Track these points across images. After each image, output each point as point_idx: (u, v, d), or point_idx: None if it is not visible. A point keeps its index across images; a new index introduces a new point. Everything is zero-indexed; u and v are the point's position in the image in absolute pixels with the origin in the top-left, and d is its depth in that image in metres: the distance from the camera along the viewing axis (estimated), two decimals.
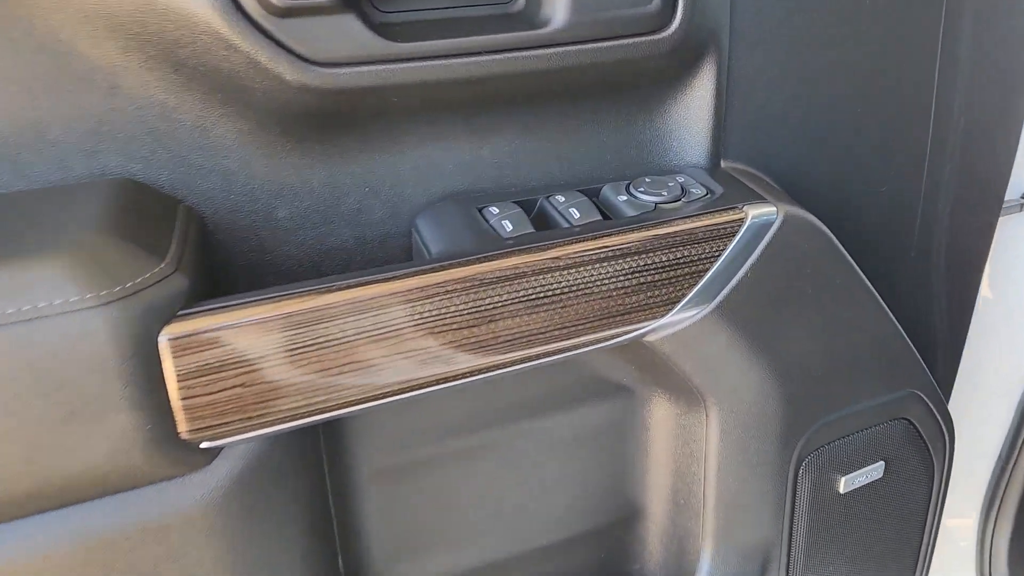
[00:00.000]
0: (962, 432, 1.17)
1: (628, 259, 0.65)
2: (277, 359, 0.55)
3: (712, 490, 0.77)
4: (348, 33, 0.59)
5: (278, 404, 0.56)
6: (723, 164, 0.76)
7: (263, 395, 0.55)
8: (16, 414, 0.48)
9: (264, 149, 0.64)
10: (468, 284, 0.60)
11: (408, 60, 0.61)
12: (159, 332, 0.51)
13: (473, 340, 0.61)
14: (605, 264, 0.64)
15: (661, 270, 0.67)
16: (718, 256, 0.69)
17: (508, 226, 0.66)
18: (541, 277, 0.62)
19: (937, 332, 0.95)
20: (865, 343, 0.78)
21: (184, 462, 0.55)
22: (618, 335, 0.67)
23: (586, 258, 0.64)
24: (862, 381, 0.80)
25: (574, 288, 0.64)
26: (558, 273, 0.63)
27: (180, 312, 0.52)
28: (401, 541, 0.78)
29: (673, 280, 0.67)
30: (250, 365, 0.54)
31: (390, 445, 0.73)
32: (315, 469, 0.68)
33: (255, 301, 0.54)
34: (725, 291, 0.69)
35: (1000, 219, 0.94)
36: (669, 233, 0.66)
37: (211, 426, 0.54)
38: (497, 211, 0.68)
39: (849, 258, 0.75)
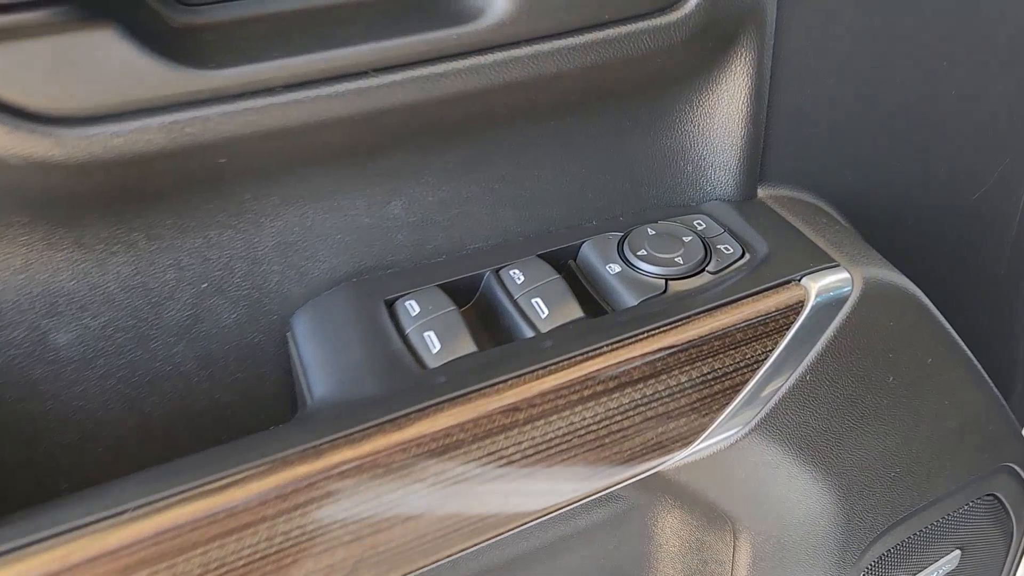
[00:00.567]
0: None
1: (630, 390, 0.41)
2: None
3: None
4: (107, 61, 0.32)
5: None
6: (761, 193, 0.50)
7: None
8: None
9: (19, 244, 0.38)
10: (372, 466, 0.36)
11: (234, 99, 0.34)
12: None
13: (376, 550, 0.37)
14: (594, 404, 0.40)
15: (679, 395, 0.43)
16: (763, 361, 0.44)
17: (434, 344, 0.41)
18: (489, 442, 0.38)
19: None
20: (956, 427, 0.56)
21: None
22: (613, 484, 0.44)
23: (562, 402, 0.39)
24: (947, 469, 0.58)
25: (543, 448, 0.40)
26: (516, 432, 0.39)
27: None
28: None
29: (696, 406, 0.44)
30: None
31: None
32: None
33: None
34: (771, 404, 0.46)
35: None
36: (691, 341, 0.42)
37: None
38: (417, 309, 0.43)
39: (949, 329, 0.51)
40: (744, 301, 0.43)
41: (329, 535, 0.36)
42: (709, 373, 0.43)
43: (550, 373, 0.40)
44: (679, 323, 0.42)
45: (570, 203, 0.47)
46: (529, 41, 0.37)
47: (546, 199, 0.47)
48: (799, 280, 0.45)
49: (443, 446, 0.38)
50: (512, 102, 0.40)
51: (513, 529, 0.41)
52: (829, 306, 0.45)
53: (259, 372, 0.45)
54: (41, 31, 0.32)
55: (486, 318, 0.45)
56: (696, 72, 0.45)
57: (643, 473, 0.45)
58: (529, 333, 0.42)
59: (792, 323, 0.44)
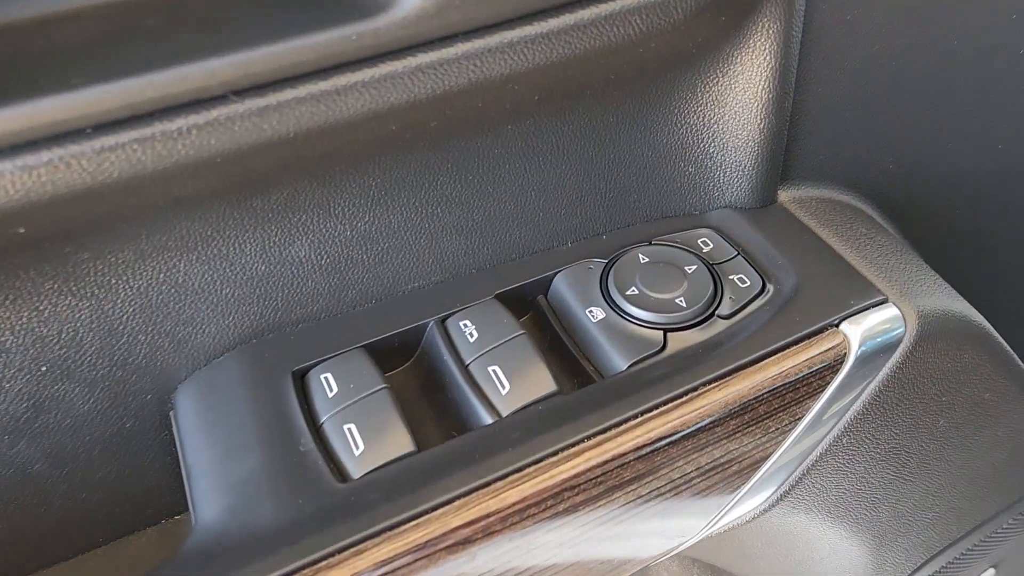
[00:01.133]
0: None
1: (619, 495, 0.31)
2: None
3: None
4: None
5: None
6: (782, 196, 0.39)
7: None
8: None
9: None
10: None
11: (19, 151, 0.23)
12: None
13: None
14: (571, 518, 0.30)
15: (683, 488, 0.33)
16: (790, 431, 0.34)
17: (357, 443, 0.30)
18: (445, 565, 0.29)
19: None
20: (1007, 456, 0.47)
21: None
22: None
23: (529, 522, 0.29)
24: (992, 495, 0.50)
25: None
26: (470, 566, 0.29)
27: None
28: None
29: (704, 494, 0.34)
30: None
31: None
32: None
33: None
34: (796, 474, 0.36)
35: None
36: (699, 424, 0.32)
37: None
38: (335, 388, 0.32)
39: (1012, 357, 0.41)
40: (767, 361, 0.33)
41: None
42: (722, 457, 0.33)
43: (513, 486, 0.29)
44: (683, 399, 0.31)
45: (535, 223, 0.36)
46: (464, 36, 0.25)
47: (504, 221, 0.35)
48: (837, 324, 0.34)
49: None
50: (447, 113, 0.28)
51: None
52: (876, 354, 0.35)
53: (137, 464, 0.35)
54: None
55: (428, 387, 0.34)
56: (702, 51, 0.33)
57: (642, 562, 0.35)
58: (485, 417, 0.32)
59: (828, 383, 0.34)
